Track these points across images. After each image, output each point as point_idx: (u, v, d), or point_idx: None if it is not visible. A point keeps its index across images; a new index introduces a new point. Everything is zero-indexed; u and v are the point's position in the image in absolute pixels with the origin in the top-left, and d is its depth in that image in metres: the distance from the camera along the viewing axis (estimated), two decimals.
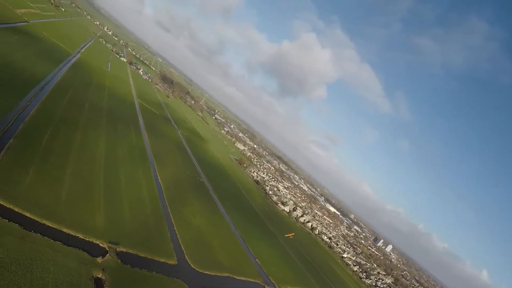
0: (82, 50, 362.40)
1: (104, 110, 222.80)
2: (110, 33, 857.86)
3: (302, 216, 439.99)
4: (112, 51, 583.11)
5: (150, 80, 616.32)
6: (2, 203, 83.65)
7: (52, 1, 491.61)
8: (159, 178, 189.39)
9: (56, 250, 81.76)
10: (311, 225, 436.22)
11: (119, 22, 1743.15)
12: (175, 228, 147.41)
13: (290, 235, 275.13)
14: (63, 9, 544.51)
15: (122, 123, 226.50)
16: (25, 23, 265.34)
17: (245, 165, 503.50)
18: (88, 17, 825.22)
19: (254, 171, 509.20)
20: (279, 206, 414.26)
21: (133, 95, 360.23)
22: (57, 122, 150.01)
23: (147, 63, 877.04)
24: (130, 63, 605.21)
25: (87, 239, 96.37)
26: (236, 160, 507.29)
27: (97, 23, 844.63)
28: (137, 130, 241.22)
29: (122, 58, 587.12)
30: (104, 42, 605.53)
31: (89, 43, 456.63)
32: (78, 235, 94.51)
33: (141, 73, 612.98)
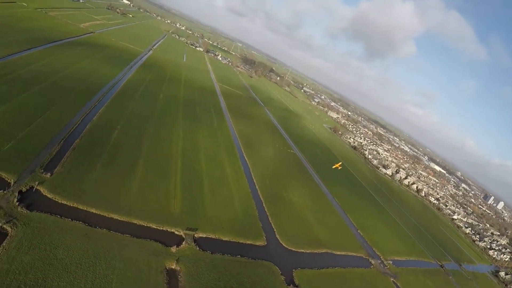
0: (154, 48, 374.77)
1: (180, 99, 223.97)
2: (183, 28, 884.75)
3: (406, 178, 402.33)
4: (187, 43, 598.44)
5: (230, 63, 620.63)
6: (65, 202, 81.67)
7: (118, 10, 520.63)
8: (245, 156, 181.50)
9: (123, 244, 76.67)
10: (417, 186, 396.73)
11: (192, 18, 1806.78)
12: (264, 206, 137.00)
13: (337, 165, 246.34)
14: (131, 15, 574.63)
15: (201, 108, 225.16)
16: (90, 34, 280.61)
17: (340, 132, 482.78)
18: (158, 18, 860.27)
19: (350, 137, 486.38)
20: (380, 170, 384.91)
21: (212, 80, 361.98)
22: (128, 117, 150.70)
23: (225, 49, 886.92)
24: (207, 51, 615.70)
25: (161, 228, 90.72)
26: (330, 128, 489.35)
27: (168, 21, 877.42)
28: (219, 113, 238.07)
29: (198, 48, 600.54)
30: (178, 37, 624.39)
31: (161, 40, 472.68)
32: (151, 225, 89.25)
33: (220, 59, 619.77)
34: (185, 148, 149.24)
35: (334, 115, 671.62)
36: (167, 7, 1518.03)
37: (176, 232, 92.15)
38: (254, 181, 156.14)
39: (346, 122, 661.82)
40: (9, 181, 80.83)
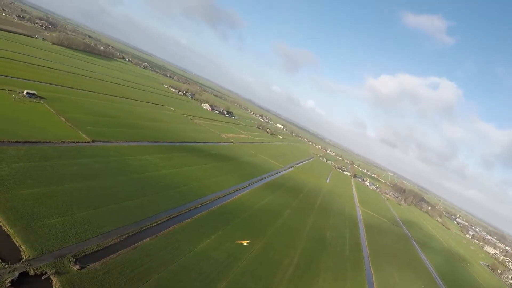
0: (297, 165, 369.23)
1: (313, 211, 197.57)
2: (334, 154, 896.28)
3: None
4: (334, 166, 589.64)
5: (378, 190, 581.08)
6: None
7: (268, 130, 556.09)
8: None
9: None
10: None
11: (345, 147, 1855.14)
12: None
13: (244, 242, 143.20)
14: (281, 137, 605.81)
15: (333, 236, 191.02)
16: (230, 143, 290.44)
17: (499, 271, 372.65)
18: (310, 143, 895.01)
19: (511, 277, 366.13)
20: None
21: (354, 202, 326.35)
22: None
23: (375, 176, 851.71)
24: (355, 176, 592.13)
25: None
26: (488, 266, 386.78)
27: (319, 147, 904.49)
28: (355, 249, 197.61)
29: (345, 173, 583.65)
30: (325, 160, 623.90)
31: (306, 161, 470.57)
32: None
33: (368, 184, 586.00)
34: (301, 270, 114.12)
35: (491, 250, 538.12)
36: (321, 136, 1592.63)
37: None
38: None
39: (505, 258, 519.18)
40: (22, 255, 62.68)
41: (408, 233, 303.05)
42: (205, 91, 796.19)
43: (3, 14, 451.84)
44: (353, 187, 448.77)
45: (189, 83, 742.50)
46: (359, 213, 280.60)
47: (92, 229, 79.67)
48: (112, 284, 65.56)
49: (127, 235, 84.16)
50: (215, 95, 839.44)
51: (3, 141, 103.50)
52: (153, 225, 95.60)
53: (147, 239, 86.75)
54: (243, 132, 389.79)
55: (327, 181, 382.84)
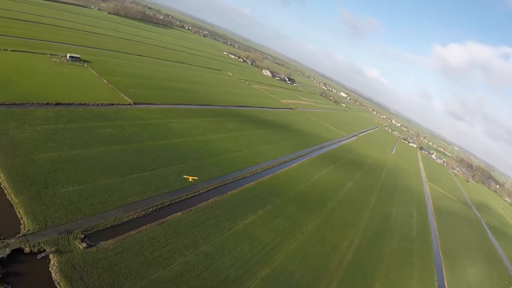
0: (360, 135, 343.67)
1: (377, 186, 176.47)
2: (399, 124, 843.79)
3: None
4: (399, 137, 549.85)
5: (445, 164, 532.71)
6: None
7: (331, 98, 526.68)
8: (444, 276, 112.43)
9: None
10: None
11: (409, 118, 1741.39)
12: None
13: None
14: (344, 105, 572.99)
15: (402, 204, 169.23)
16: (290, 109, 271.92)
17: None
18: (374, 112, 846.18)
19: None
20: None
21: (421, 177, 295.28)
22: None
23: (441, 149, 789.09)
24: (421, 148, 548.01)
25: None
26: None
27: (384, 117, 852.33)
28: (422, 212, 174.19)
29: (411, 144, 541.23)
30: (390, 130, 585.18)
31: (371, 130, 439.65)
32: None
33: (434, 157, 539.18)
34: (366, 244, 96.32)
35: None
36: (385, 106, 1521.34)
37: None
38: None
39: None
40: (21, 228, 52.53)
41: (478, 214, 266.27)
42: (266, 58, 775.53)
43: None
44: (420, 160, 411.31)
45: (250, 51, 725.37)
46: (427, 189, 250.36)
47: (113, 200, 67.90)
48: (123, 267, 52.98)
49: (154, 208, 71.63)
50: (276, 63, 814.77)
51: (32, 103, 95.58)
52: (189, 196, 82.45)
53: (179, 213, 73.60)
54: (304, 98, 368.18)
55: (393, 152, 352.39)
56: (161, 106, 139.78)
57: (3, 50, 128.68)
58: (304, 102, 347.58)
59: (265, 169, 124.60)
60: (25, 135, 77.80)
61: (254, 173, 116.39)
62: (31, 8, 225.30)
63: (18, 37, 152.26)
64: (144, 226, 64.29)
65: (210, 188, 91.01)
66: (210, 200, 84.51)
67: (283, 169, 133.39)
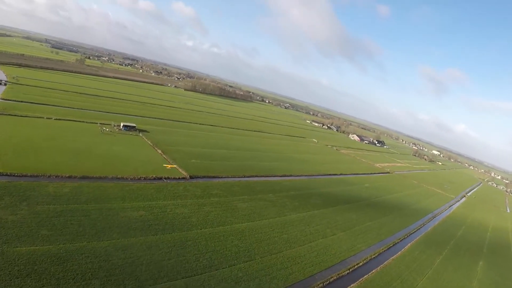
0: (468, 195, 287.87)
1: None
2: (499, 177, 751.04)
3: None
4: (506, 191, 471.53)
5: None
6: None
7: (425, 157, 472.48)
8: None
9: None
10: None
11: (506, 170, 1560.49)
12: None
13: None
14: (440, 163, 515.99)
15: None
16: (387, 173, 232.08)
17: None
18: (471, 167, 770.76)
19: None
20: None
21: None
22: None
23: None
24: None
25: None
26: None
27: (482, 171, 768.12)
28: None
29: None
30: (495, 185, 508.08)
31: (476, 188, 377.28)
32: None
33: None
34: None
35: None
36: (479, 160, 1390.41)
37: None
38: None
39: None
40: None
41: None
42: (351, 124, 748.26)
43: (140, 70, 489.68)
44: None
45: (333, 119, 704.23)
46: None
47: None
48: None
49: None
50: (362, 128, 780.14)
51: (49, 176, 74.30)
52: None
53: None
54: (398, 160, 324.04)
55: (507, 210, 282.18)
56: (226, 179, 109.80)
57: (46, 118, 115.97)
58: (399, 164, 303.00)
59: (368, 260, 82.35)
60: (16, 217, 53.93)
61: (355, 267, 75.22)
62: (105, 85, 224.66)
63: (72, 108, 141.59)
64: None
65: None
66: None
67: (391, 258, 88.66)
